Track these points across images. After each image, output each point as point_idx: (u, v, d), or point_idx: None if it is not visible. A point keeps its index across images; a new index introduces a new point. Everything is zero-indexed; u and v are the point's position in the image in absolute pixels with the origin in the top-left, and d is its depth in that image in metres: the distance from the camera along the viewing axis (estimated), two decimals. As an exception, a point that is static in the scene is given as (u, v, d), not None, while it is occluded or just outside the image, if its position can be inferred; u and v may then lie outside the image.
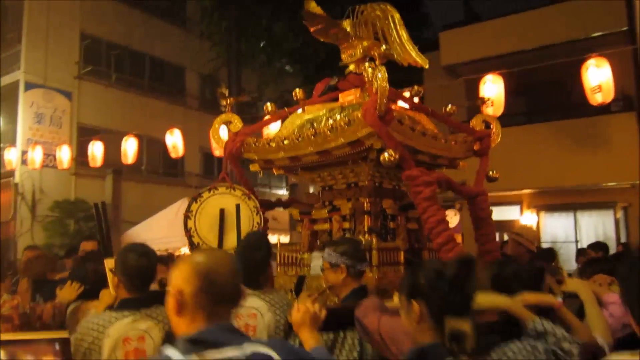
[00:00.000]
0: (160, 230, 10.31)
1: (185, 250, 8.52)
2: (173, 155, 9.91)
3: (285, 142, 3.40)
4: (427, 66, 3.72)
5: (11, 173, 12.59)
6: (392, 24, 3.62)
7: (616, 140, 10.28)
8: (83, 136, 13.31)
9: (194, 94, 17.34)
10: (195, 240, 3.26)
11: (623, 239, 11.15)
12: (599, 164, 10.38)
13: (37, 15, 13.35)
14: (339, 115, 3.43)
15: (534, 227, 12.30)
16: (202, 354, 1.41)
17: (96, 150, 10.57)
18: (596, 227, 11.91)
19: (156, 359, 1.66)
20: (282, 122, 3.99)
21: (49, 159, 12.21)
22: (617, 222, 11.51)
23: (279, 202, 4.06)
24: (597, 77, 6.82)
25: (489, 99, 4.42)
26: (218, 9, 13.41)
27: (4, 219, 12.57)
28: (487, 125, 3.80)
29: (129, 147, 10.19)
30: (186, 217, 3.28)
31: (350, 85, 3.66)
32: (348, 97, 3.68)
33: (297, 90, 3.76)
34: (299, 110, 3.83)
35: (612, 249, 11.17)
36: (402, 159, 2.99)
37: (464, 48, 11.78)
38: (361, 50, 3.59)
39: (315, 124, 3.48)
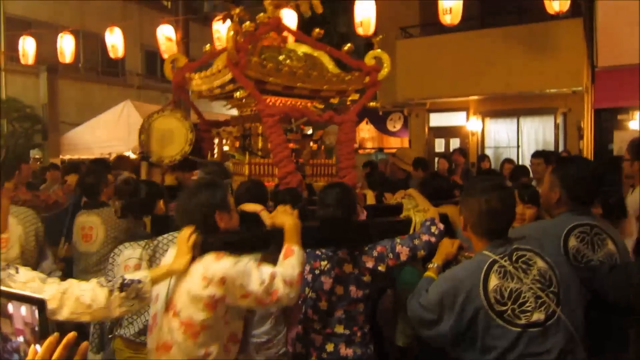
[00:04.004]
0: (103, 133, 9.98)
1: (129, 154, 8.34)
2: (112, 55, 9.29)
3: (203, 77, 4.24)
4: (320, 10, 4.45)
5: None
6: None
7: (561, 46, 10.38)
8: (12, 28, 12.27)
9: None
10: (145, 150, 4.15)
11: (562, 143, 11.64)
12: (543, 70, 10.53)
13: None
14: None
15: (479, 133, 12.65)
16: None
17: (27, 46, 9.74)
18: (537, 132, 12.33)
19: None
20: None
21: (-25, 53, 11.27)
22: (556, 127, 11.93)
23: (215, 123, 4.78)
24: (556, -15, 6.71)
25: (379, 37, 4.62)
26: None
27: None
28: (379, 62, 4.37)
29: (66, 45, 9.45)
30: (139, 132, 4.17)
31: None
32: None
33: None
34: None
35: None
36: (251, 95, 3.81)
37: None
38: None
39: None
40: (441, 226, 2.69)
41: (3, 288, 1.23)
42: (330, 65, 4.39)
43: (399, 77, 11.85)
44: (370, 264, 2.59)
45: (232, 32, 3.69)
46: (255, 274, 2.06)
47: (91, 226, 3.62)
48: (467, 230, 2.14)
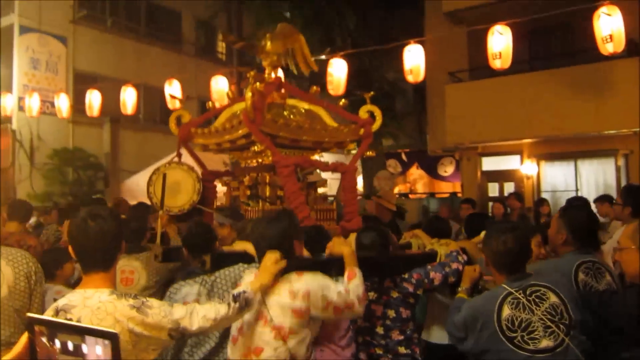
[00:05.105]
0: (159, 180, 10.29)
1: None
2: (170, 106, 9.72)
3: (213, 131, 4.56)
4: (316, 69, 4.93)
5: (8, 119, 12.41)
6: (298, 42, 4.86)
7: (618, 86, 10.03)
8: (80, 83, 13.06)
9: (190, 40, 16.95)
10: (154, 200, 4.26)
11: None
12: (600, 111, 10.21)
13: (29, -43, 12.86)
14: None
15: (534, 177, 12.32)
16: None
17: (94, 99, 10.35)
18: (597, 175, 11.89)
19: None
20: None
21: (46, 106, 12.04)
22: (618, 169, 11.49)
23: (217, 173, 5.11)
24: (609, 25, 6.47)
25: (370, 94, 4.93)
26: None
27: (3, 166, 12.51)
28: (372, 115, 4.71)
29: (128, 98, 9.96)
30: (148, 184, 4.32)
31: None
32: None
33: (229, 89, 4.78)
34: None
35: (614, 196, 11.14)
36: (268, 148, 4.18)
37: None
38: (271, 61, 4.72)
39: (232, 119, 4.54)
40: (465, 256, 3.20)
41: (76, 323, 1.31)
42: (327, 118, 4.84)
43: (449, 121, 11.80)
44: (411, 289, 3.08)
45: (249, 93, 4.03)
46: (332, 287, 2.51)
47: (132, 270, 3.75)
48: (489, 266, 2.52)
